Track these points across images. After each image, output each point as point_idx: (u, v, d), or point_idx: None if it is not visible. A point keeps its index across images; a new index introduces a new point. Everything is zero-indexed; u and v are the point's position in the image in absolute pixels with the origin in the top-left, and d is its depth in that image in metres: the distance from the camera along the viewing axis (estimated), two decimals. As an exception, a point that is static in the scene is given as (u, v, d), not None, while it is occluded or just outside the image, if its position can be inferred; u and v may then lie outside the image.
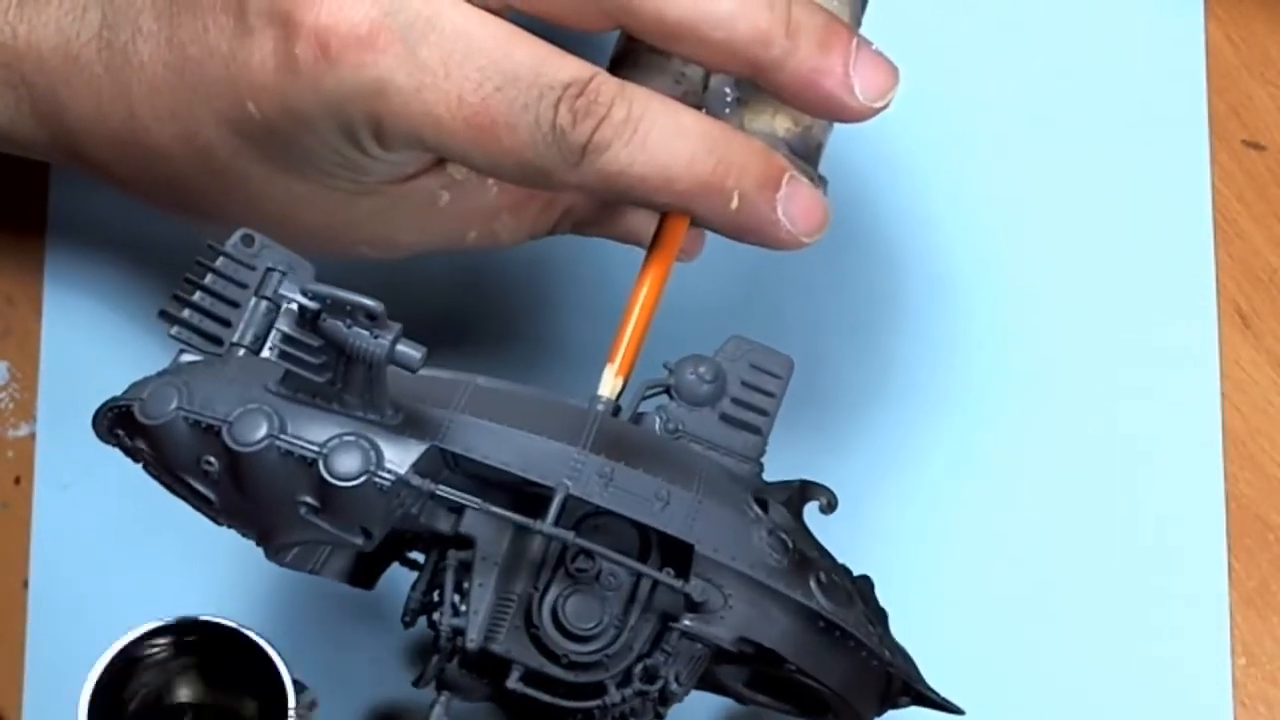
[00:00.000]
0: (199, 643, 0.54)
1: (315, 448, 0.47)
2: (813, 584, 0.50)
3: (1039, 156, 0.66)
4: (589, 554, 0.48)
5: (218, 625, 0.53)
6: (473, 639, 0.48)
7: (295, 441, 0.47)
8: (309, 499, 0.48)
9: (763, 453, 0.52)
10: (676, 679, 0.49)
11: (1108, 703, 0.62)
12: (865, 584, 0.53)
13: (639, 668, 0.49)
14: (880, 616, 0.53)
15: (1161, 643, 0.63)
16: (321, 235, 0.56)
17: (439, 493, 0.48)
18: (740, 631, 0.48)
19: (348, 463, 0.47)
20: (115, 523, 0.63)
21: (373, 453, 0.47)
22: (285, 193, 0.55)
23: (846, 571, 0.52)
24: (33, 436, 0.64)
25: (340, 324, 0.46)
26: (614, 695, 0.49)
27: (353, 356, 0.46)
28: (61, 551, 0.63)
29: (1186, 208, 0.66)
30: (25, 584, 0.63)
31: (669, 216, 0.53)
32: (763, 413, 0.52)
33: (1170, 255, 0.66)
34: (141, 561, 0.63)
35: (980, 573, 0.63)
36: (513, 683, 0.49)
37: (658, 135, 0.51)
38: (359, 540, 0.48)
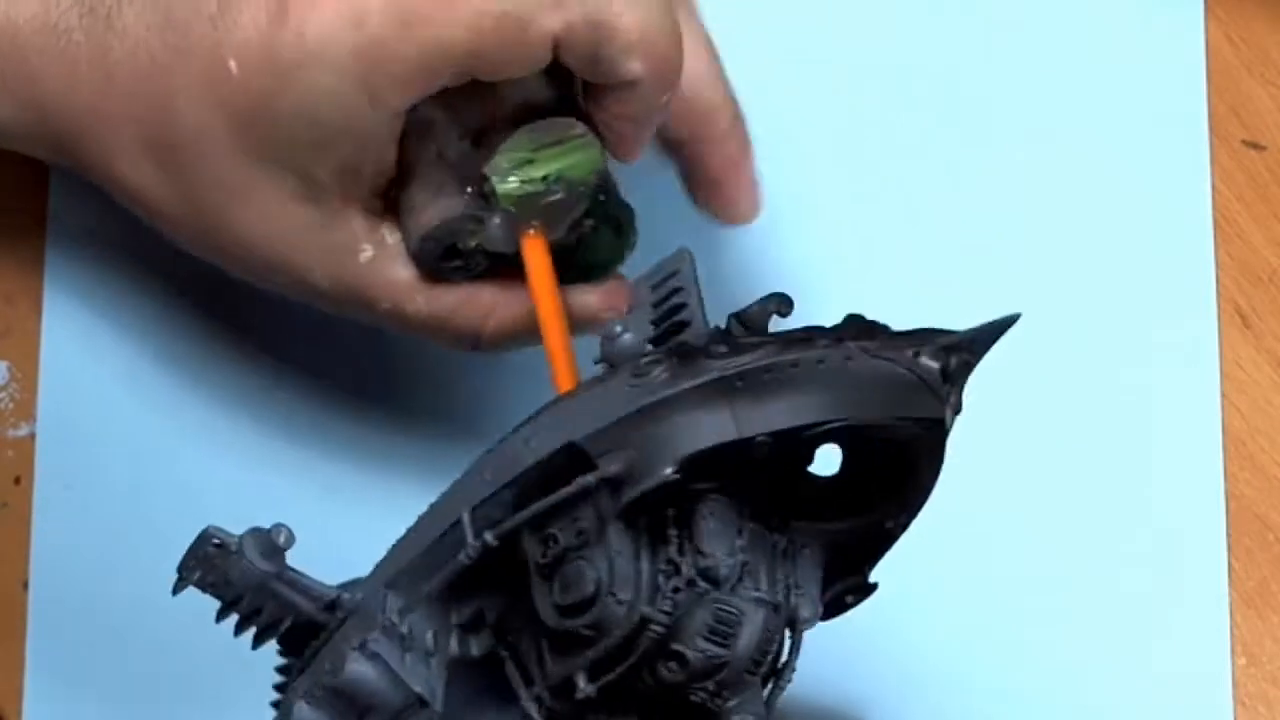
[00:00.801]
0: None
1: None
2: (714, 361, 0.48)
3: (1038, 156, 0.66)
4: (546, 541, 0.48)
5: None
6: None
7: None
8: None
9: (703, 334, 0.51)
10: (699, 556, 0.48)
11: (1108, 702, 0.62)
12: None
13: (657, 582, 0.48)
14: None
15: (1161, 643, 0.63)
16: (248, 243, 0.56)
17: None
18: (677, 454, 0.47)
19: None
20: (115, 523, 0.63)
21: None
22: (232, 180, 0.55)
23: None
24: (33, 436, 0.64)
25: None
26: (657, 616, 0.47)
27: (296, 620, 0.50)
28: (61, 551, 0.63)
29: (1186, 208, 0.66)
30: (25, 584, 0.63)
31: (528, 244, 0.55)
32: (681, 306, 0.52)
33: (1170, 255, 0.66)
34: (141, 562, 0.63)
35: (979, 572, 0.63)
36: (584, 690, 0.48)
37: None
38: (418, 701, 0.49)
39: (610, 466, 0.47)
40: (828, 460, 0.51)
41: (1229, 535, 0.63)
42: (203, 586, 0.51)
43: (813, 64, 0.67)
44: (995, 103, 0.67)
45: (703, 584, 0.48)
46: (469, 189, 0.55)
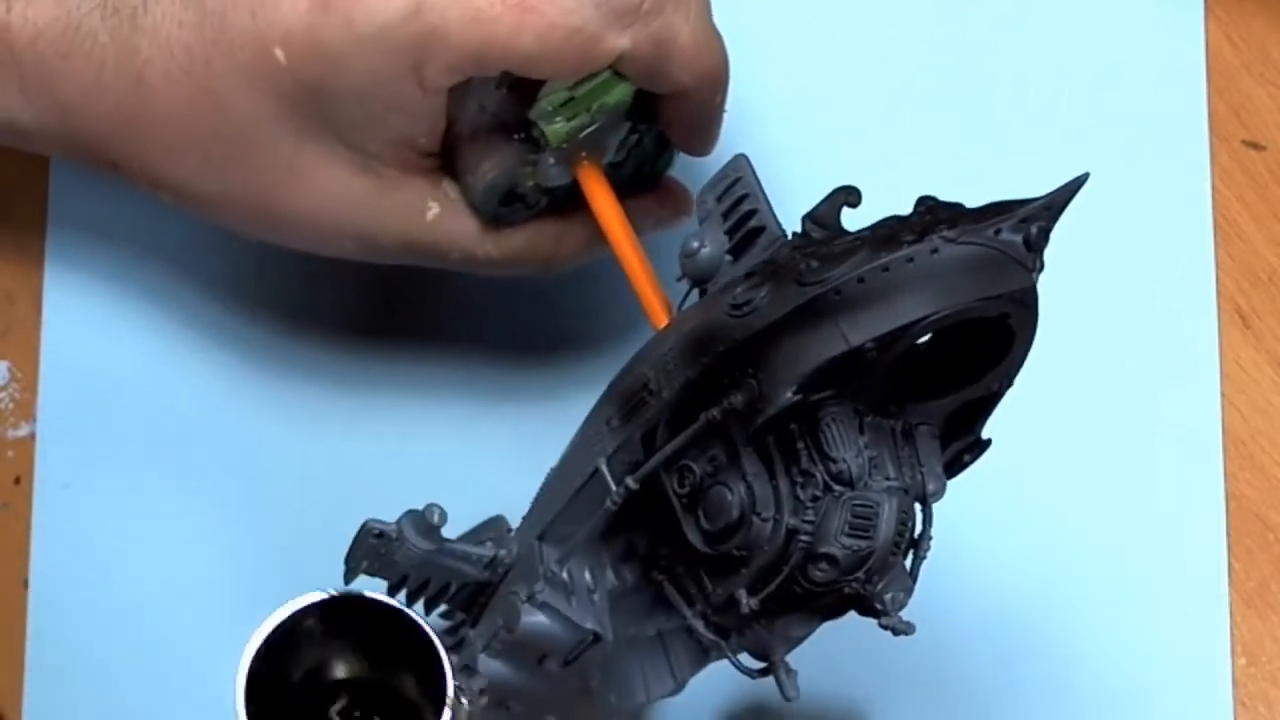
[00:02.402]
0: (357, 619, 0.52)
1: None
2: (808, 278, 0.49)
3: (1038, 156, 0.66)
4: (681, 473, 0.50)
5: (377, 602, 0.52)
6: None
7: None
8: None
9: (779, 236, 0.52)
10: (830, 462, 0.49)
11: (1108, 703, 0.62)
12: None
13: (789, 489, 0.50)
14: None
15: (1161, 643, 0.63)
16: (310, 218, 0.57)
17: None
18: (793, 376, 0.48)
19: None
20: (115, 523, 0.63)
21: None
22: (287, 163, 0.55)
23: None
24: (33, 436, 0.64)
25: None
26: (802, 526, 0.49)
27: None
28: (61, 551, 0.63)
29: (1186, 208, 0.66)
30: (25, 584, 0.63)
31: (585, 177, 0.56)
32: (752, 212, 0.52)
33: (1170, 255, 0.66)
34: (141, 561, 0.63)
35: (980, 572, 0.63)
36: (747, 605, 0.50)
37: (697, 9, 0.54)
38: (592, 637, 0.52)
39: (733, 399, 0.49)
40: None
41: (1229, 535, 0.63)
42: (370, 574, 0.53)
43: (812, 59, 0.67)
44: (995, 102, 0.67)
45: (838, 487, 0.50)
46: (517, 135, 0.56)
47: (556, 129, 0.55)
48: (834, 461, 0.49)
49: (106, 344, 0.64)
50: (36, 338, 0.64)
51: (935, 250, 0.48)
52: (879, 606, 0.51)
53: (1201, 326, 0.65)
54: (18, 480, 0.64)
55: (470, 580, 0.54)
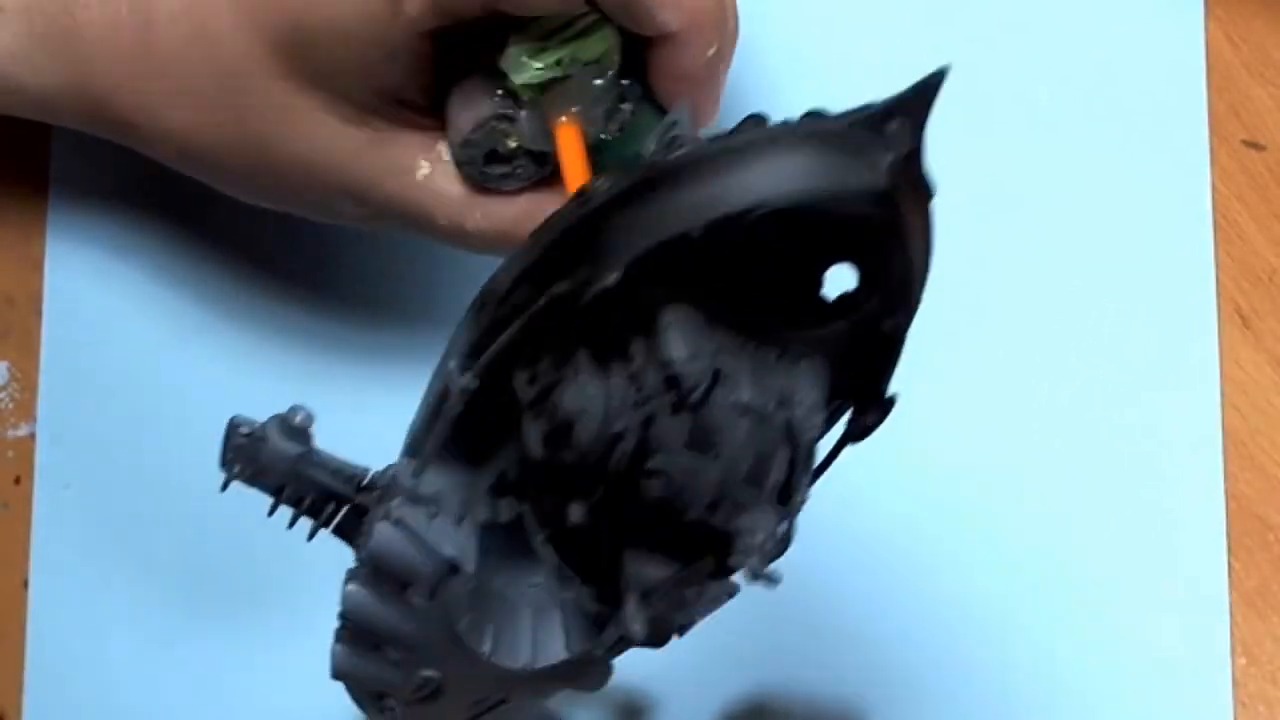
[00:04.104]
0: None
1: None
2: (646, 165, 0.45)
3: (1038, 156, 0.66)
4: (531, 377, 0.47)
5: None
6: None
7: None
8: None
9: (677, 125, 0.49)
10: (663, 366, 0.46)
11: (1108, 702, 0.62)
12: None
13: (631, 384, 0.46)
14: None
15: (1161, 643, 0.63)
16: (305, 168, 0.56)
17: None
18: (617, 260, 0.45)
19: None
20: (115, 523, 0.63)
21: None
22: (279, 109, 0.55)
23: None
24: (33, 436, 0.64)
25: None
26: (625, 431, 0.46)
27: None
28: (61, 551, 0.63)
29: (1186, 208, 0.66)
30: (25, 584, 0.63)
31: (560, 135, 0.55)
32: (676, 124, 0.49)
33: (1170, 255, 0.66)
34: (141, 562, 0.63)
35: (979, 572, 0.63)
36: (575, 518, 0.47)
37: None
38: (449, 567, 0.48)
39: (558, 287, 0.45)
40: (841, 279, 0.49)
41: (1229, 535, 0.63)
42: (247, 480, 0.50)
43: (811, 58, 0.67)
44: (994, 102, 0.67)
45: (670, 393, 0.46)
46: (499, 92, 0.56)
47: (524, 77, 0.54)
48: (667, 364, 0.45)
49: (106, 344, 0.64)
50: (36, 338, 0.65)
51: (774, 139, 0.44)
52: (737, 546, 0.46)
53: (1201, 326, 0.65)
54: (18, 480, 0.64)
55: (344, 497, 0.50)
